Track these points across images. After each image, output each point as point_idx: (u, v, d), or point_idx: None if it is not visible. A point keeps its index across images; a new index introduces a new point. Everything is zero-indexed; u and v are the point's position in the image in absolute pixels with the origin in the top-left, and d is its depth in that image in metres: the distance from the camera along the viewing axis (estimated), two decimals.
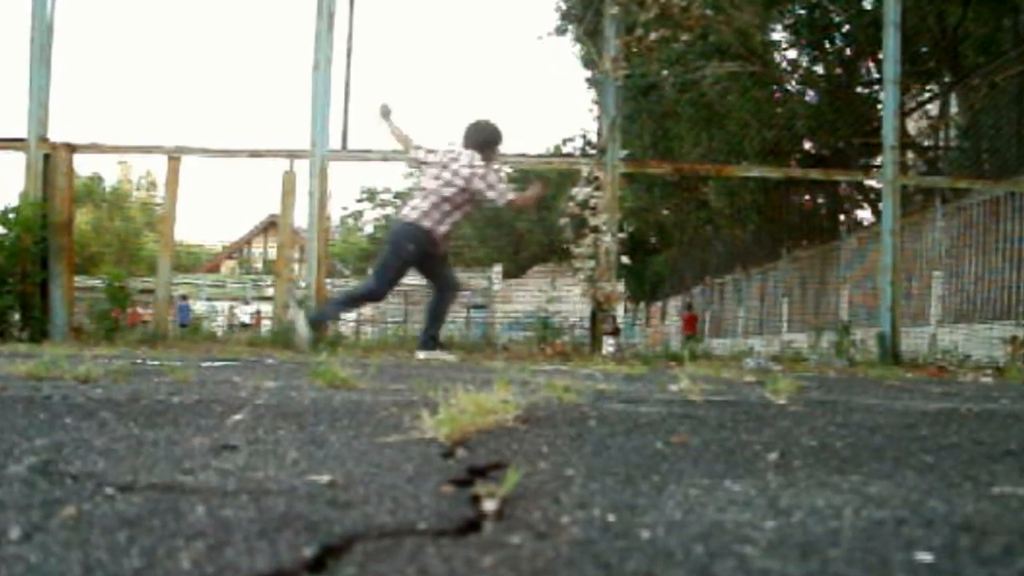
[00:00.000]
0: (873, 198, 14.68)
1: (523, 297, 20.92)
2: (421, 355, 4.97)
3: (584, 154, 15.85)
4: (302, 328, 5.10)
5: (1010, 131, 10.36)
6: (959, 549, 0.79)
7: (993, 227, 9.88)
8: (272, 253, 27.84)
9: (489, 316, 22.52)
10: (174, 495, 0.96)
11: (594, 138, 14.52)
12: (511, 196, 5.03)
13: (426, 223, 4.93)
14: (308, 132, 6.48)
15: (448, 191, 4.94)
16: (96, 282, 8.36)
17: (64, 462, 1.15)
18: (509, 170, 33.83)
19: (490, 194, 4.97)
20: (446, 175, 4.97)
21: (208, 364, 3.61)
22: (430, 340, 5.10)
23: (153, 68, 73.21)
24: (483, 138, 5.03)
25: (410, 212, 5.02)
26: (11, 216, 6.12)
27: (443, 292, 5.19)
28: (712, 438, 1.55)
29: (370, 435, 1.47)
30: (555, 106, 71.30)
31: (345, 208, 41.14)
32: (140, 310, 14.58)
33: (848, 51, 14.42)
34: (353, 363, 3.24)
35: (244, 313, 22.96)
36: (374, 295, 5.29)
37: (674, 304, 23.57)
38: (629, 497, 1.01)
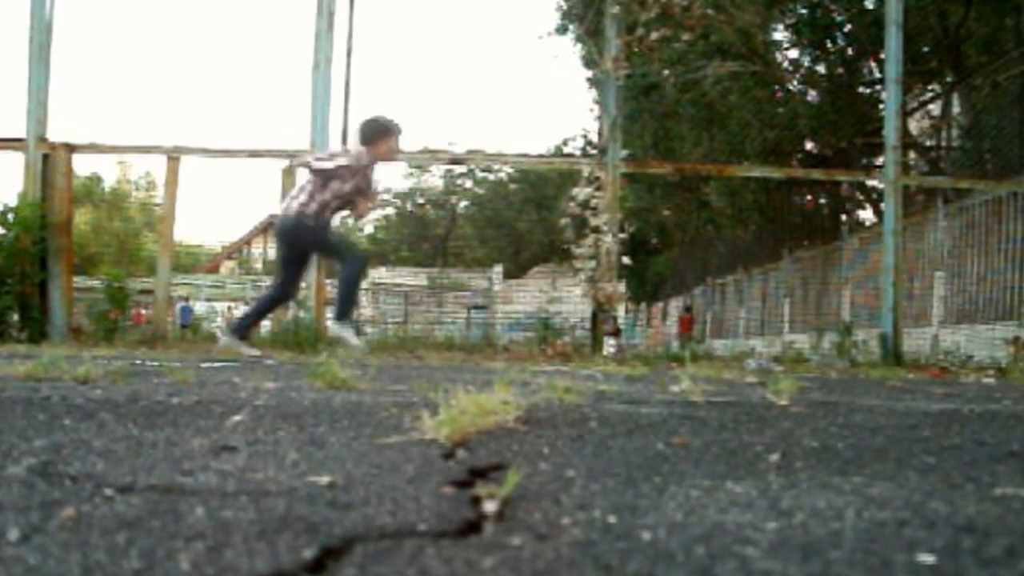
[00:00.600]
0: (875, 198, 14.66)
1: (524, 298, 20.91)
2: (334, 327, 5.08)
3: (585, 154, 15.87)
4: (223, 338, 5.25)
5: (1012, 131, 10.34)
6: (961, 550, 0.78)
7: (995, 227, 9.87)
8: (272, 253, 27.83)
9: (490, 317, 22.51)
10: (173, 496, 0.96)
11: (595, 138, 14.53)
12: (325, 164, 5.02)
13: (294, 206, 5.05)
14: (308, 132, 6.48)
15: (314, 180, 5.07)
16: (95, 283, 8.35)
17: (63, 463, 1.15)
18: (509, 169, 33.60)
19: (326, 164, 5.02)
20: (316, 163, 5.09)
21: (207, 365, 3.60)
22: (342, 316, 5.10)
23: (152, 68, 73.32)
24: (368, 132, 5.12)
25: (287, 205, 5.15)
26: (10, 216, 6.11)
27: (349, 264, 5.17)
28: (713, 439, 1.55)
29: (370, 436, 1.47)
30: (556, 106, 71.31)
31: None
32: (143, 311, 14.59)
33: (850, 51, 14.40)
34: (353, 364, 3.24)
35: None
36: (282, 296, 5.45)
37: (675, 305, 23.60)
38: (630, 498, 1.01)
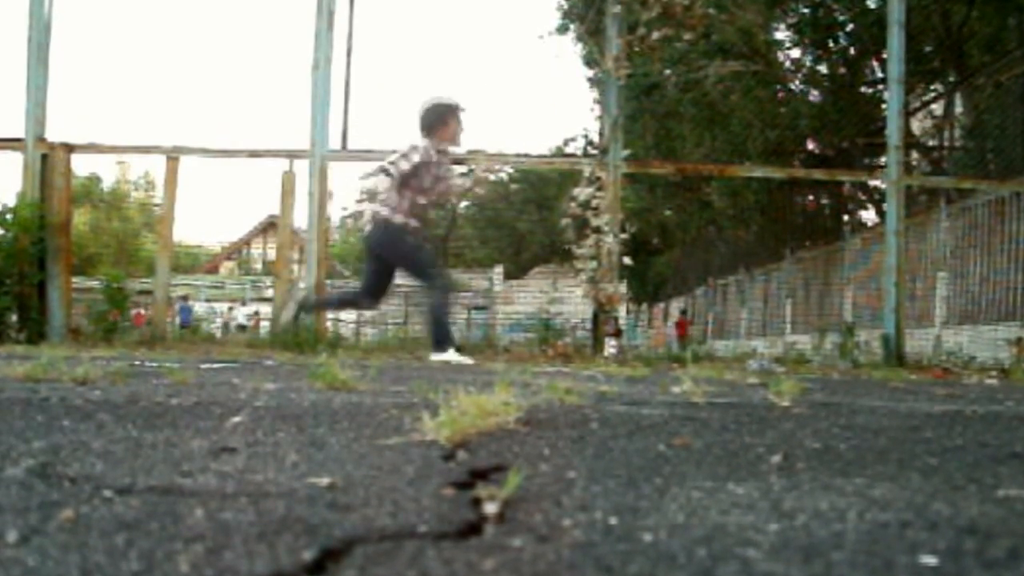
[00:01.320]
0: (877, 198, 14.62)
1: (524, 298, 20.94)
2: (434, 358, 4.83)
3: (586, 154, 15.83)
4: (289, 312, 5.13)
5: (1015, 131, 10.32)
6: (964, 552, 0.78)
7: (998, 228, 9.85)
8: (271, 254, 27.90)
9: (490, 317, 22.53)
10: (172, 498, 0.96)
11: (596, 138, 14.52)
12: (402, 166, 4.83)
13: (397, 219, 4.85)
14: (308, 132, 6.47)
15: (393, 183, 4.87)
16: (94, 283, 8.33)
17: (62, 464, 1.15)
18: (510, 169, 33.83)
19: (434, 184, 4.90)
20: (394, 169, 4.86)
21: (207, 366, 3.60)
22: (439, 344, 4.87)
23: (152, 67, 73.34)
24: (427, 120, 4.90)
25: (379, 211, 4.91)
26: (8, 217, 6.09)
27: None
28: (715, 440, 1.54)
29: (370, 437, 1.46)
30: (557, 106, 71.25)
31: (345, 208, 41.14)
32: (144, 311, 14.59)
33: (852, 50, 14.40)
34: (353, 365, 3.23)
35: (241, 314, 22.91)
36: (362, 302, 5.33)
37: (677, 306, 23.63)
38: (631, 500, 1.00)
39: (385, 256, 5.01)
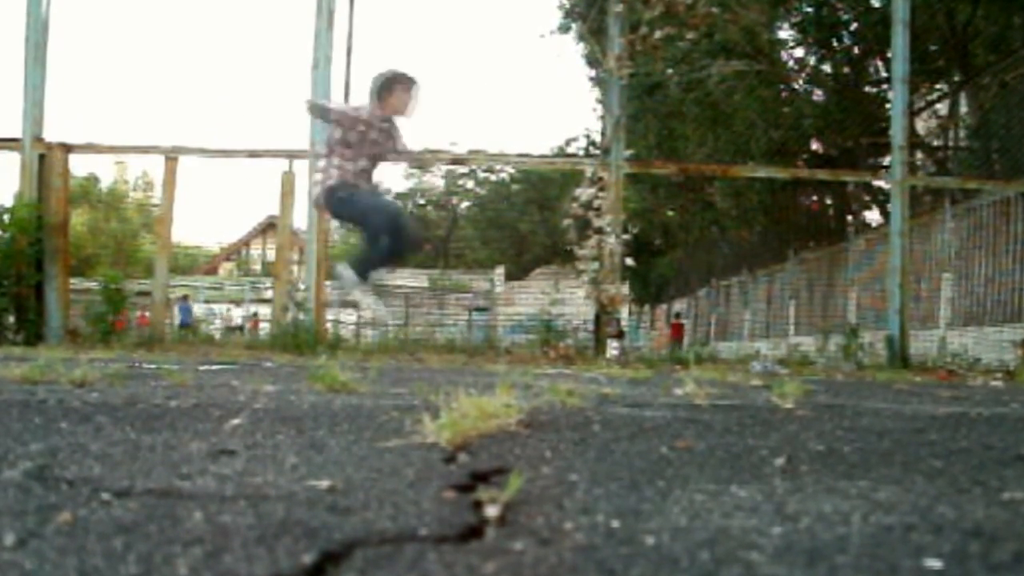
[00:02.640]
0: (881, 199, 14.62)
1: (526, 299, 20.96)
2: (341, 270, 4.90)
3: (588, 154, 15.84)
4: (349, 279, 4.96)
5: (1020, 131, 10.28)
6: (969, 555, 0.78)
7: (1003, 228, 9.82)
8: (271, 255, 27.93)
9: (491, 319, 22.55)
10: (171, 501, 0.95)
11: (598, 138, 14.51)
12: (324, 103, 5.17)
13: (329, 183, 4.90)
14: (307, 132, 6.47)
15: (377, 148, 4.99)
16: (92, 284, 8.34)
17: (60, 467, 1.14)
18: (511, 170, 33.66)
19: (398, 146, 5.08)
20: (372, 134, 4.93)
21: (206, 367, 3.60)
22: (357, 269, 4.87)
23: (150, 67, 73.34)
24: (373, 86, 5.02)
25: (350, 177, 4.90)
26: (6, 217, 6.10)
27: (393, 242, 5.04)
28: (718, 443, 1.54)
29: (370, 440, 1.46)
30: (558, 105, 71.13)
31: None
32: (148, 313, 14.56)
33: (856, 49, 14.37)
34: (353, 367, 3.23)
35: (236, 315, 22.87)
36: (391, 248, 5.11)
37: (678, 307, 23.61)
38: (633, 503, 1.00)
39: (343, 214, 5.12)
